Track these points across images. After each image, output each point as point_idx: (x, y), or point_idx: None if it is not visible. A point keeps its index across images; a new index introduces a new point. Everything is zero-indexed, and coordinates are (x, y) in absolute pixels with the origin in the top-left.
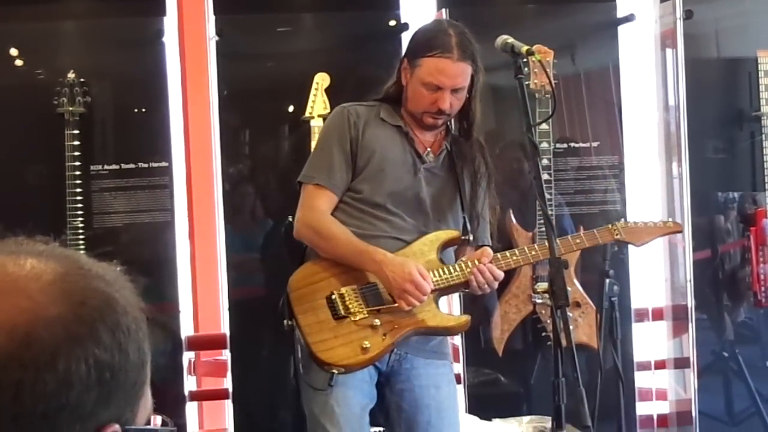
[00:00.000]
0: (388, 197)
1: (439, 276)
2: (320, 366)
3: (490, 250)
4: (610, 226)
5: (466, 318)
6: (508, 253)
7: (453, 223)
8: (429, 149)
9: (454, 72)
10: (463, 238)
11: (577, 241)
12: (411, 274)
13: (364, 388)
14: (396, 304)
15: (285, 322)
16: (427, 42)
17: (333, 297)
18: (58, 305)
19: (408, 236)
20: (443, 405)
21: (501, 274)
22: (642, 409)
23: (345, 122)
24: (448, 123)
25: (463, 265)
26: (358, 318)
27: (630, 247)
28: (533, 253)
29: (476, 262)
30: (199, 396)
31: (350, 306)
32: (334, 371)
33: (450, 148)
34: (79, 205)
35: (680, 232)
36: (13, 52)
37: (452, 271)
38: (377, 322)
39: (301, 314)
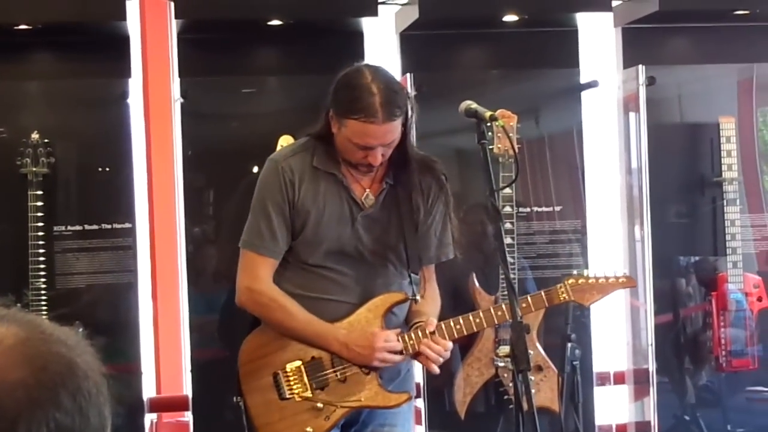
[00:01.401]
0: (327, 258)
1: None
2: None
3: (433, 321)
4: (558, 286)
5: (408, 395)
6: (452, 322)
7: (402, 265)
8: (368, 190)
9: (382, 133)
10: (410, 298)
11: (523, 305)
12: (376, 338)
13: None
14: (339, 380)
15: (234, 399)
16: (351, 103)
17: (278, 377)
18: (19, 370)
19: (351, 296)
20: None
21: (449, 345)
22: None
23: (281, 183)
24: (392, 155)
25: (407, 338)
26: (301, 400)
27: (592, 310)
28: (477, 320)
29: (420, 336)
30: None
31: (294, 387)
32: None
33: (394, 181)
34: (42, 266)
35: (634, 286)
36: None
37: (408, 341)
38: (320, 405)
39: (249, 394)
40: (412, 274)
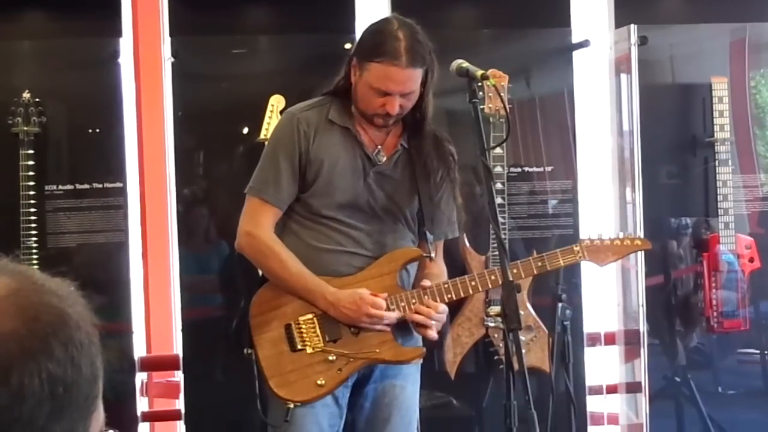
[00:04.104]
0: (339, 210)
1: (396, 304)
2: (277, 398)
3: (428, 281)
4: (573, 246)
5: (422, 350)
6: (466, 279)
7: (409, 227)
8: (380, 147)
9: (403, 78)
10: (423, 255)
11: (539, 264)
12: (363, 299)
13: (325, 413)
14: (353, 334)
15: (245, 350)
16: (376, 46)
17: (290, 328)
18: (11, 320)
19: (364, 248)
20: (404, 404)
21: (441, 308)
22: None
23: (294, 133)
24: (406, 118)
25: (398, 299)
26: (314, 351)
27: (583, 271)
28: (476, 282)
29: (410, 298)
30: (151, 417)
31: (307, 338)
32: (290, 405)
33: (408, 144)
34: (33, 225)
35: (649, 249)
36: None
37: (411, 299)
38: (332, 357)
39: (260, 345)
40: (427, 233)
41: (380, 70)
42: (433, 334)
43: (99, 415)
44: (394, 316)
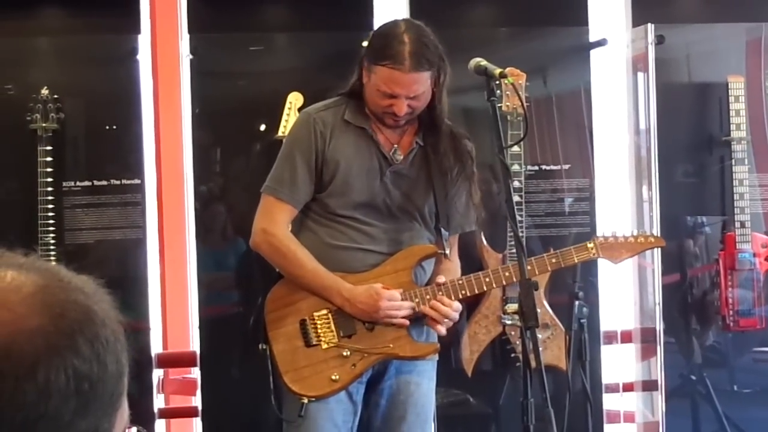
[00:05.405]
0: (356, 209)
1: (411, 300)
2: (291, 393)
3: (443, 277)
4: (587, 243)
5: (436, 346)
6: (480, 275)
7: (426, 225)
8: (396, 146)
9: (407, 82)
10: (439, 252)
11: (553, 260)
12: (378, 294)
13: (339, 409)
14: (367, 329)
15: (260, 346)
16: (381, 50)
17: (305, 323)
18: (38, 317)
19: (380, 245)
20: (419, 401)
21: (456, 305)
22: (610, 431)
23: (311, 133)
24: (422, 116)
25: (413, 295)
26: (328, 347)
27: (600, 269)
28: (490, 278)
29: (424, 294)
30: (168, 414)
31: (321, 334)
32: (304, 400)
33: (424, 143)
34: (51, 222)
35: (663, 246)
36: None
37: (425, 295)
38: (346, 352)
39: (275, 340)
40: (442, 229)
41: (385, 73)
42: (443, 330)
43: (124, 412)
44: (407, 305)
